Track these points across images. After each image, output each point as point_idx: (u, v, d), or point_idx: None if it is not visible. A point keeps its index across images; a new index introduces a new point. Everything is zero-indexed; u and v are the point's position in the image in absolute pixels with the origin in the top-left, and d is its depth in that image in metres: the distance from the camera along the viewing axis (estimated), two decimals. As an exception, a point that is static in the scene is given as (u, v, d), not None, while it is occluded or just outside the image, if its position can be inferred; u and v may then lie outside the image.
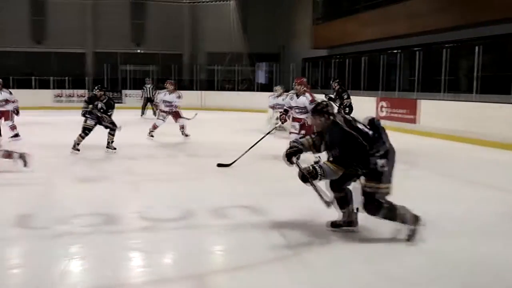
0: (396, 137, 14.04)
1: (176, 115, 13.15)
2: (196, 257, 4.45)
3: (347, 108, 13.70)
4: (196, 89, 27.40)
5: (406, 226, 4.79)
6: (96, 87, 10.71)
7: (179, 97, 13.31)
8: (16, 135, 12.44)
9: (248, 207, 6.04)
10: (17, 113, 12.63)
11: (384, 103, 17.05)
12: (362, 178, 4.81)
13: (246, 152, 8.93)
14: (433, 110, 15.05)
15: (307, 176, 4.79)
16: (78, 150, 10.13)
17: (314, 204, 5.46)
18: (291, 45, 29.71)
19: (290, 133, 9.46)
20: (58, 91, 25.55)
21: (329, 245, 4.81)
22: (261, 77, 30.45)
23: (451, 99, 16.03)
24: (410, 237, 4.75)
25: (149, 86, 21.31)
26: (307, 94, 9.27)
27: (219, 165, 8.59)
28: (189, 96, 25.84)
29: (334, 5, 25.30)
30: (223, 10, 27.91)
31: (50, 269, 4.09)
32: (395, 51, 19.67)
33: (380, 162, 4.71)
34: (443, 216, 5.78)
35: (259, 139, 9.44)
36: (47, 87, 26.17)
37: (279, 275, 4.09)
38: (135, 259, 4.52)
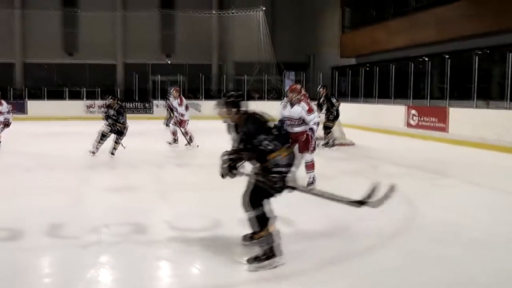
0: (426, 145, 14.02)
1: (181, 123, 13.08)
2: (224, 268, 4.40)
3: (335, 112, 13.39)
4: (225, 99, 27.49)
5: (260, 246, 4.44)
6: (109, 97, 11.84)
7: (179, 104, 13.30)
8: None
9: (277, 216, 5.97)
10: (5, 125, 13.03)
11: (413, 111, 16.83)
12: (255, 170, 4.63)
13: None
14: (464, 118, 14.80)
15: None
16: (94, 153, 10.97)
17: (343, 215, 5.39)
18: (319, 54, 29.63)
19: None
20: (89, 102, 25.88)
21: (357, 256, 4.73)
22: (289, 86, 30.46)
23: (482, 107, 15.75)
24: (253, 260, 4.37)
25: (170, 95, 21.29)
26: (303, 103, 7.60)
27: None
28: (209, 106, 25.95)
29: (362, 13, 25.16)
30: (251, 20, 27.96)
31: (80, 278, 4.10)
32: (424, 58, 19.44)
33: (280, 161, 4.45)
34: (471, 225, 5.67)
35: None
36: (79, 98, 26.55)
37: (310, 286, 4.02)
38: (163, 269, 4.51)
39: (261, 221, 4.44)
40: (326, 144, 13.10)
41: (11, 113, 13.18)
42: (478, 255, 4.75)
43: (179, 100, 13.37)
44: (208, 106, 26.02)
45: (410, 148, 13.66)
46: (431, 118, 15.96)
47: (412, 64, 20.05)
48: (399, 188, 7.58)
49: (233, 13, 29.02)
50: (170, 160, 10.88)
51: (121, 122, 11.36)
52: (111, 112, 11.39)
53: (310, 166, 7.75)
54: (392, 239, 5.15)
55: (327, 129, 13.34)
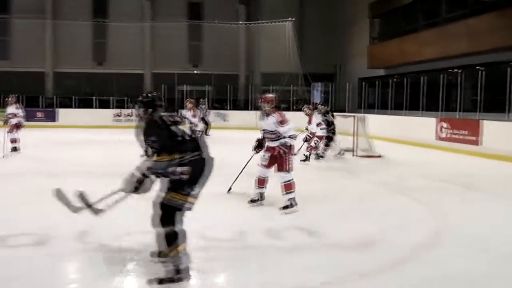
0: (457, 158, 13.83)
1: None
2: (249, 278, 4.39)
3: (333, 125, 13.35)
4: (251, 109, 27.54)
5: (165, 267, 4.26)
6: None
7: (194, 116, 13.69)
8: (15, 149, 13.10)
9: (303, 228, 5.95)
10: (18, 127, 13.31)
11: (444, 124, 16.62)
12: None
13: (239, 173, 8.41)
14: (497, 131, 14.53)
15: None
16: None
17: (369, 227, 5.33)
18: (347, 64, 29.54)
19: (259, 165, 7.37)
20: (117, 111, 26.20)
21: (384, 270, 4.67)
22: (316, 97, 30.35)
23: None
24: (155, 281, 4.17)
25: (204, 106, 21.47)
26: (275, 114, 6.96)
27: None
28: (244, 116, 26.10)
29: (392, 24, 25.04)
30: (278, 30, 28.01)
31: (105, 286, 4.12)
32: (456, 70, 19.22)
33: (179, 169, 4.23)
34: (500, 240, 5.59)
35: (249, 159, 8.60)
36: (107, 107, 26.90)
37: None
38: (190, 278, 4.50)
39: (169, 240, 4.21)
40: (316, 155, 12.88)
41: (24, 118, 13.57)
42: (507, 270, 4.68)
43: (192, 111, 13.56)
44: (235, 116, 26.17)
45: (440, 161, 13.49)
46: (463, 131, 15.72)
47: (443, 76, 19.83)
48: (429, 202, 7.57)
49: (261, 23, 29.13)
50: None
51: None
52: None
53: (287, 187, 6.83)
54: (420, 252, 5.08)
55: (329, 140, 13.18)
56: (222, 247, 5.30)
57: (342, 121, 14.53)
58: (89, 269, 4.59)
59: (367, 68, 25.73)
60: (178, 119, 4.49)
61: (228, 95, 27.96)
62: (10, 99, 13.49)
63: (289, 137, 6.86)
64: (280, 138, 6.87)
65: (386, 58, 24.03)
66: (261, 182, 7.12)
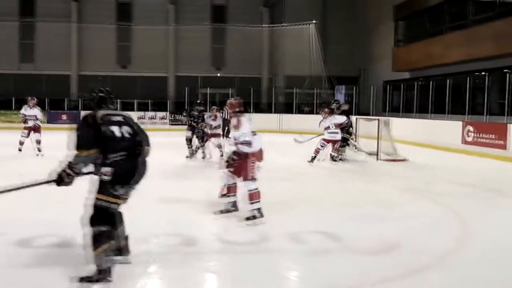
0: (483, 163, 13.64)
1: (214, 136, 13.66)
2: (270, 282, 4.39)
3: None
4: (274, 112, 27.54)
5: (94, 267, 4.24)
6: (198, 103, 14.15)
7: (214, 119, 13.89)
8: (39, 150, 13.58)
9: (324, 232, 5.92)
10: (36, 130, 13.69)
11: (470, 128, 16.42)
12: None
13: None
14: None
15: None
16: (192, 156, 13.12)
17: (394, 232, 5.28)
18: (371, 67, 29.38)
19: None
20: (141, 113, 26.38)
21: (410, 276, 4.62)
22: (340, 100, 30.23)
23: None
24: (83, 279, 4.20)
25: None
26: (233, 119, 6.72)
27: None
28: (267, 119, 26.10)
29: (417, 27, 24.82)
30: (302, 33, 27.99)
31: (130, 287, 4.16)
32: (483, 73, 18.98)
33: (104, 169, 4.27)
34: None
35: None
36: (131, 110, 27.12)
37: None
38: (210, 281, 4.53)
39: (96, 240, 4.22)
40: (331, 158, 13.03)
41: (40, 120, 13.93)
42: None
43: (214, 117, 13.75)
44: (258, 119, 26.09)
45: (466, 165, 13.32)
46: (490, 135, 15.51)
47: (470, 79, 19.60)
48: (454, 207, 7.48)
49: (284, 26, 29.12)
50: (219, 172, 10.91)
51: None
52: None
53: (251, 196, 6.43)
54: (445, 259, 5.01)
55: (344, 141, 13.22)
56: (241, 250, 5.31)
57: (366, 124, 14.45)
58: (113, 271, 4.62)
59: (392, 71, 25.55)
60: (120, 119, 4.52)
61: (251, 98, 27.98)
62: (30, 102, 13.73)
63: (242, 143, 6.48)
64: (237, 144, 6.57)
65: (411, 61, 23.84)
66: (230, 190, 6.77)
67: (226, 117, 21.00)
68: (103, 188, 4.31)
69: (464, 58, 19.59)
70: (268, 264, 4.85)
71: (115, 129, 4.38)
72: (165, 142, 16.61)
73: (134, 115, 25.75)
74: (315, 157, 12.49)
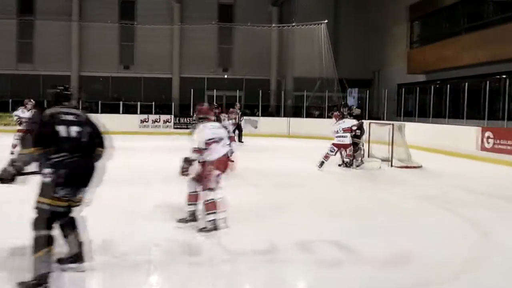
0: (502, 170, 13.53)
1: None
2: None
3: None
4: (283, 116, 27.48)
5: (32, 273, 4.21)
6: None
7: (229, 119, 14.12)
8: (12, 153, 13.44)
9: (334, 243, 5.86)
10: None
11: (488, 133, 16.30)
12: None
13: None
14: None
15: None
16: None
17: (409, 244, 5.21)
18: (385, 70, 29.30)
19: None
20: (144, 116, 26.35)
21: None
22: (352, 105, 30.19)
23: None
24: (20, 284, 4.20)
25: (238, 111, 21.28)
26: (201, 125, 6.70)
27: None
28: (275, 123, 26.07)
29: (432, 28, 24.76)
30: (312, 34, 27.95)
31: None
32: (501, 76, 18.85)
33: (46, 170, 4.26)
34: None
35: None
36: (134, 112, 27.10)
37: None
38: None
39: (35, 244, 4.21)
40: (344, 163, 13.11)
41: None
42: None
43: (228, 117, 13.82)
44: (266, 122, 26.12)
45: (484, 173, 13.24)
46: (509, 141, 15.38)
47: (487, 82, 19.49)
48: (472, 217, 7.40)
49: (294, 26, 29.09)
50: (223, 179, 10.88)
51: None
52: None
53: (208, 207, 6.36)
54: (462, 273, 4.95)
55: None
56: (246, 260, 5.25)
57: (378, 129, 14.40)
58: (113, 281, 4.59)
59: (406, 74, 25.46)
60: (72, 118, 4.48)
61: (260, 101, 27.92)
62: (28, 104, 13.67)
63: (193, 150, 6.54)
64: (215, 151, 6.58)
65: (426, 63, 23.75)
66: (191, 198, 6.72)
67: (236, 121, 21.00)
68: (44, 190, 4.30)
69: (481, 60, 19.48)
70: (274, 275, 4.81)
71: (61, 128, 4.35)
72: (169, 146, 16.62)
73: (136, 118, 26.14)
74: (323, 162, 12.54)
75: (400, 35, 26.82)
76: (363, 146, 13.72)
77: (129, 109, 27.72)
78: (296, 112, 28.42)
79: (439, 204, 8.50)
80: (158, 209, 7.49)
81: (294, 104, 29.49)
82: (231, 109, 14.41)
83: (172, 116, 26.53)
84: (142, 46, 30.69)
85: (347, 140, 12.55)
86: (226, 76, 31.73)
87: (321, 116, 27.36)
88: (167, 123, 26.40)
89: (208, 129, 6.52)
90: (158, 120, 26.36)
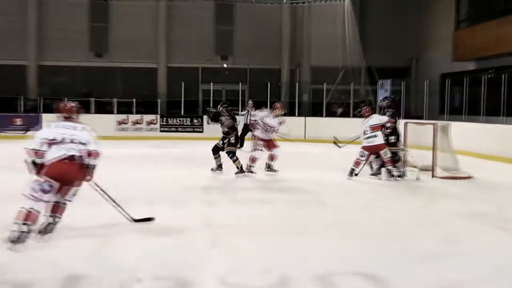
0: None
1: (271, 144, 13.76)
2: None
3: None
4: (298, 115, 27.44)
5: None
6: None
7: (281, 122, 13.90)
8: None
9: (364, 274, 5.83)
10: None
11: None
12: None
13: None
14: None
15: None
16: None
17: (455, 273, 5.20)
18: (425, 56, 29.30)
19: None
20: (122, 117, 26.31)
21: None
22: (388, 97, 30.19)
23: None
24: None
25: (251, 111, 21.01)
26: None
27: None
28: (289, 124, 25.95)
29: (485, 3, 24.71)
30: (333, 12, 28.00)
31: None
32: None
33: None
34: None
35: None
36: (110, 112, 27.10)
37: None
38: None
39: None
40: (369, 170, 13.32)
41: None
42: None
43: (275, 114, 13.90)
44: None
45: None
46: None
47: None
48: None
49: (310, 1, 29.11)
50: (223, 195, 10.89)
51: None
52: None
53: (18, 214, 6.65)
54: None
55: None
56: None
57: (417, 131, 14.34)
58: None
59: (452, 61, 25.41)
60: None
61: (268, 96, 27.84)
62: None
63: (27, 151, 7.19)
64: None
65: (478, 47, 23.72)
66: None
67: (248, 122, 20.84)
68: None
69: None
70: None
71: None
72: (154, 154, 16.63)
73: (112, 118, 26.15)
74: (353, 170, 12.78)
75: (445, 13, 26.82)
76: (403, 155, 13.63)
77: (103, 108, 27.73)
78: (314, 110, 28.39)
79: (494, 224, 8.47)
80: (140, 236, 7.48)
81: (312, 100, 29.46)
82: (275, 104, 14.37)
83: (158, 116, 26.56)
84: (119, 27, 30.65)
85: (378, 139, 12.71)
86: (225, 66, 31.76)
87: (345, 114, 27.31)
88: (152, 125, 26.42)
89: (50, 128, 7.21)
90: (140, 121, 26.38)
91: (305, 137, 25.11)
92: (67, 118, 7.52)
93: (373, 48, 28.42)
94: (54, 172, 6.88)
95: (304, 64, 31.00)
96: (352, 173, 12.80)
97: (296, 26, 31.37)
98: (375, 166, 13.41)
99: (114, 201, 7.95)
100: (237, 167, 13.23)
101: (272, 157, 13.73)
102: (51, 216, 7.18)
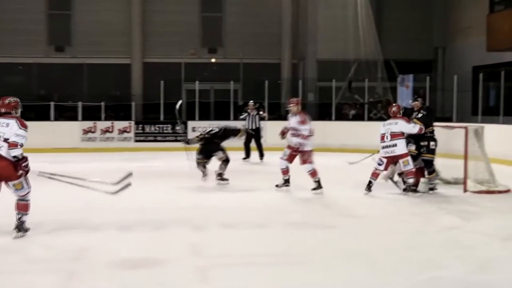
0: None
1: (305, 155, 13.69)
2: None
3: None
4: (302, 117, 27.40)
5: None
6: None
7: (301, 122, 13.77)
8: None
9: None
10: None
11: None
12: None
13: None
14: None
15: None
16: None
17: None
18: (453, 46, 29.42)
19: None
20: (88, 124, 26.18)
21: None
22: (406, 97, 30.12)
23: None
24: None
25: (253, 113, 20.99)
26: None
27: None
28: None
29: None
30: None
31: None
32: None
33: None
34: None
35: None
36: (73, 118, 27.02)
37: None
38: None
39: None
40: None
41: None
42: None
43: (299, 116, 13.86)
44: (275, 129, 25.98)
45: None
46: None
47: None
48: None
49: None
50: (212, 217, 10.87)
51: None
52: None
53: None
54: None
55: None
56: None
57: (445, 135, 14.36)
58: None
59: (486, 51, 25.47)
60: None
61: (266, 96, 27.81)
62: None
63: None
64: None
65: (517, 35, 23.79)
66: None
67: (251, 127, 20.75)
68: None
69: None
70: None
71: None
72: (129, 169, 16.58)
73: (77, 126, 26.10)
74: (371, 182, 12.98)
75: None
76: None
77: (65, 113, 27.65)
78: (321, 111, 28.42)
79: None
80: (114, 267, 7.49)
81: (318, 100, 29.49)
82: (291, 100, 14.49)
83: (133, 123, 26.47)
84: (84, 16, 30.65)
85: (399, 149, 12.73)
86: (213, 61, 31.82)
87: (358, 117, 27.31)
88: (125, 133, 26.36)
89: None
90: (110, 130, 26.30)
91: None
92: (2, 115, 8.81)
93: (391, 37, 28.58)
94: None
95: (309, 57, 31.03)
96: (370, 187, 12.94)
97: (299, 12, 31.46)
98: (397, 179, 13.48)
99: (77, 179, 8.58)
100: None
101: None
102: (17, 213, 8.84)
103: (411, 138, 13.06)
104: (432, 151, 13.32)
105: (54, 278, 6.96)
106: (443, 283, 6.74)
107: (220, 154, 14.82)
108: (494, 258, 7.95)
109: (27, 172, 8.82)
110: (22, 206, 8.86)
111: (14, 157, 8.56)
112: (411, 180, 12.88)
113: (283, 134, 13.80)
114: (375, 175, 12.91)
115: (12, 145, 8.49)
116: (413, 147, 13.03)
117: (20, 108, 9.40)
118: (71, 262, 7.68)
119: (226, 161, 14.85)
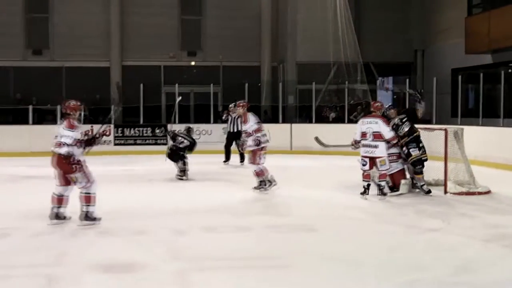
0: None
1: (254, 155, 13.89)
2: None
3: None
4: (282, 121, 27.40)
5: None
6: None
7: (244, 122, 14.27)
8: None
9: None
10: None
11: None
12: None
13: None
14: None
15: None
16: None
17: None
18: (433, 48, 29.56)
19: None
20: (67, 127, 26.02)
21: None
22: (385, 100, 30.21)
23: None
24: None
25: (234, 114, 20.99)
26: None
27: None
28: (271, 132, 25.92)
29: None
30: (323, -2, 28.14)
31: None
32: None
33: None
34: None
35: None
36: (52, 121, 26.86)
37: None
38: None
39: None
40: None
41: None
42: None
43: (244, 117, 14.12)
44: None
45: None
46: None
47: None
48: None
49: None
50: (194, 220, 10.84)
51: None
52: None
53: None
54: None
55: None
56: None
57: (425, 137, 14.38)
58: None
59: (465, 54, 25.57)
60: None
61: (246, 98, 27.72)
62: None
63: None
64: None
65: (495, 37, 23.89)
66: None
67: (233, 129, 20.75)
68: None
69: None
70: None
71: None
72: (109, 173, 16.51)
73: (56, 129, 25.68)
74: (368, 186, 12.93)
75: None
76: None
77: (43, 117, 27.48)
78: (301, 114, 28.40)
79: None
80: (94, 273, 7.45)
81: (298, 102, 29.49)
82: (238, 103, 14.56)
83: (112, 126, 26.37)
84: (62, 19, 30.51)
85: (379, 152, 12.76)
86: (193, 64, 31.76)
87: (339, 120, 27.31)
88: (104, 137, 26.21)
89: None
90: (89, 133, 26.20)
91: (291, 148, 25.07)
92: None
93: (370, 40, 28.64)
94: None
95: (289, 60, 31.11)
96: (366, 190, 12.85)
97: (278, 14, 31.52)
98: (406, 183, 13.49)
99: None
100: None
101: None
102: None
103: (413, 143, 13.16)
104: (424, 151, 13.43)
105: (34, 283, 6.93)
106: (425, 284, 6.75)
107: (180, 164, 15.96)
108: (475, 259, 7.98)
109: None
110: (85, 199, 10.17)
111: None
112: (383, 183, 12.92)
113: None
114: (367, 176, 12.83)
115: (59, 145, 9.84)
116: (417, 152, 13.07)
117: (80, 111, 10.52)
118: (51, 267, 7.64)
119: (183, 171, 15.98)
